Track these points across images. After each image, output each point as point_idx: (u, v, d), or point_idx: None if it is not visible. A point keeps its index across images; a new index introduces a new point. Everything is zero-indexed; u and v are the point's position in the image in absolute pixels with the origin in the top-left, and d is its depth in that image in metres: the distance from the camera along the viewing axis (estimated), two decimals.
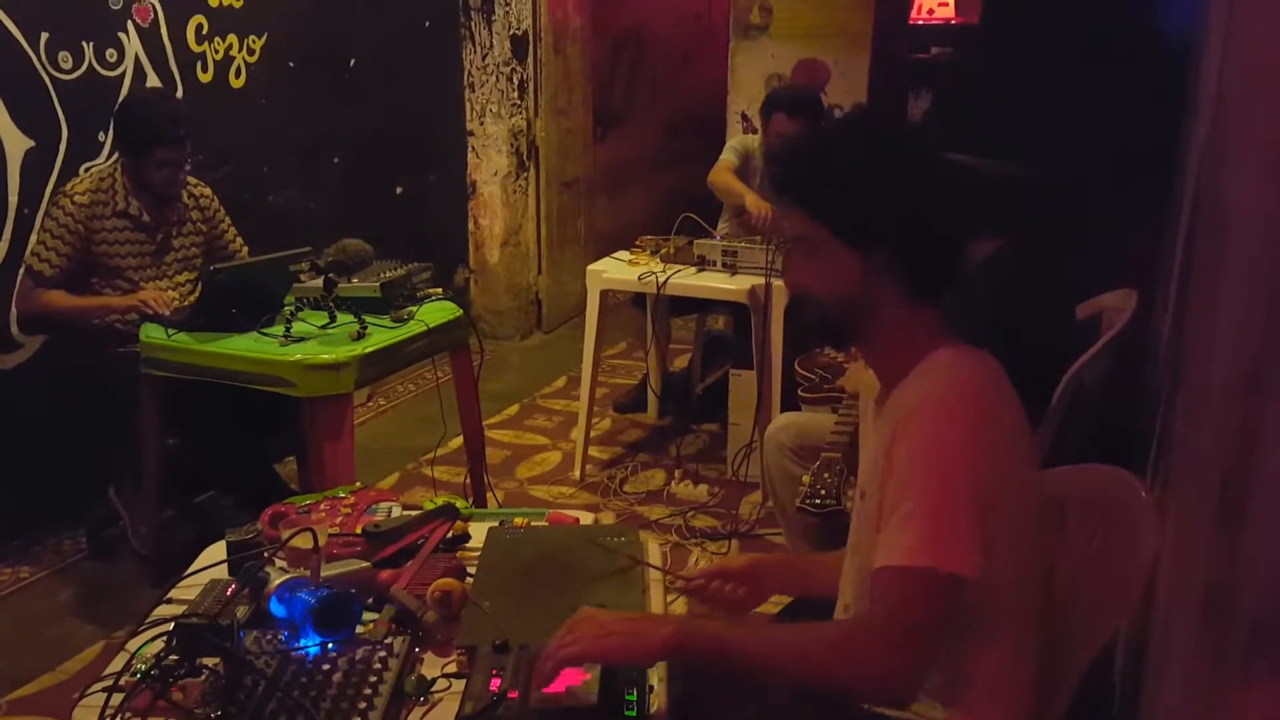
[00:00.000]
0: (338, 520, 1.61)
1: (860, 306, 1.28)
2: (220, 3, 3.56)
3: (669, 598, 1.52)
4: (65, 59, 3.06)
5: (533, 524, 1.67)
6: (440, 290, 2.92)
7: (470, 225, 5.18)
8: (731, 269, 3.29)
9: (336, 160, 4.29)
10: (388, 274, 2.78)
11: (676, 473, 3.57)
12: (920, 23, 3.97)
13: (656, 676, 1.24)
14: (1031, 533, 1.28)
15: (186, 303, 2.88)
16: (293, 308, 2.63)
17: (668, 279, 3.26)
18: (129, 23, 3.25)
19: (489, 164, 5.08)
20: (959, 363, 1.25)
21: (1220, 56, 1.69)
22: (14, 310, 2.95)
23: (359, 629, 1.33)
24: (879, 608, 1.14)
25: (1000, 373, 1.27)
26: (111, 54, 3.20)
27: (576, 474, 3.54)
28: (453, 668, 1.29)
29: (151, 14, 3.32)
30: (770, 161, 1.35)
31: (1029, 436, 1.30)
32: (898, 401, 1.26)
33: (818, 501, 2.01)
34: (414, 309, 2.73)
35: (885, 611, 1.13)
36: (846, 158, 1.27)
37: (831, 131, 1.38)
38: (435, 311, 2.77)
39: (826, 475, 2.06)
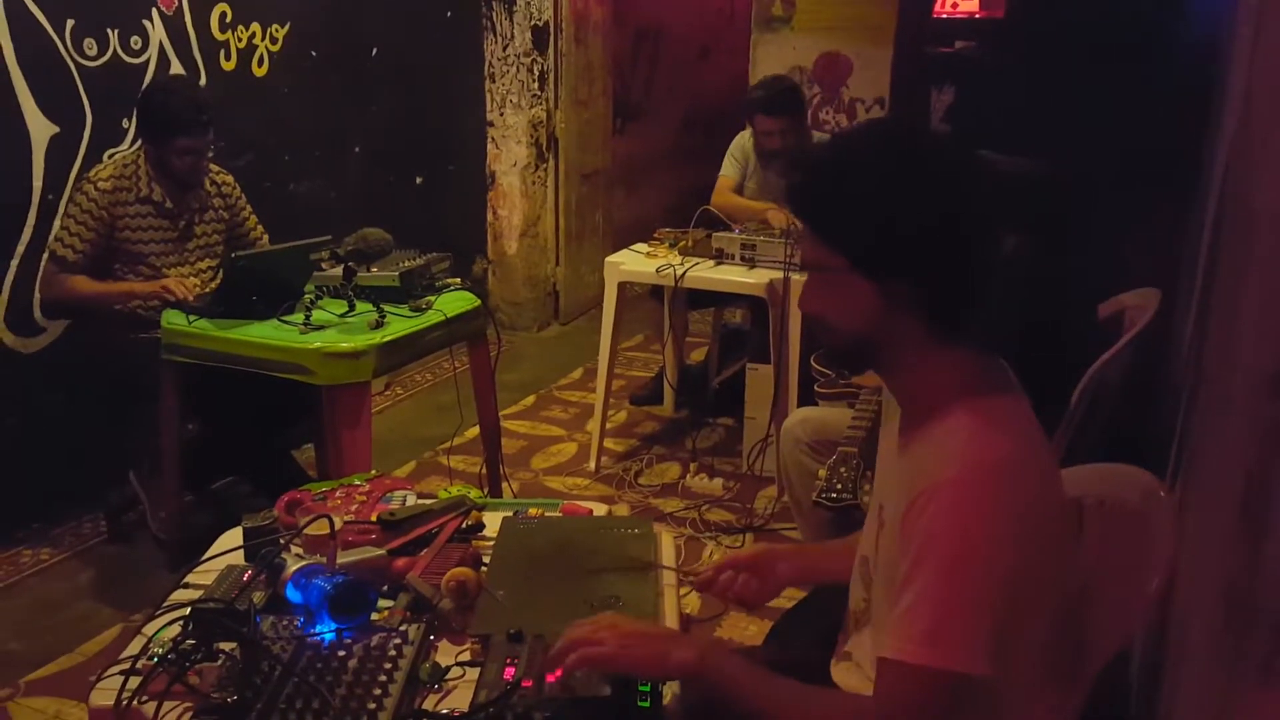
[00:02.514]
0: (353, 508, 1.62)
1: (878, 340, 1.20)
2: None
3: (682, 590, 1.52)
4: (90, 45, 3.07)
5: (547, 515, 1.67)
6: (458, 280, 2.93)
7: (489, 216, 5.19)
8: (750, 262, 3.29)
9: (357, 150, 4.30)
10: (407, 263, 2.78)
11: (692, 466, 3.57)
12: (944, 16, 3.95)
13: None
14: (1062, 601, 1.23)
15: (208, 289, 2.90)
16: (312, 296, 2.65)
17: (686, 272, 3.26)
18: (153, 10, 3.26)
19: (508, 155, 5.09)
20: (984, 429, 1.15)
21: (1250, 53, 1.67)
22: (37, 295, 2.98)
23: (374, 616, 1.34)
24: (885, 702, 1.12)
25: (1029, 430, 1.19)
26: (136, 41, 3.22)
27: (592, 466, 3.55)
28: (467, 656, 1.29)
29: (176, 1, 3.33)
30: (787, 181, 1.26)
31: (1060, 500, 1.23)
32: (921, 454, 1.19)
33: (834, 496, 2.00)
34: (432, 299, 2.74)
35: (891, 705, 1.11)
36: (867, 183, 1.16)
37: (850, 151, 1.22)
38: (453, 301, 2.77)
39: (843, 469, 2.05)
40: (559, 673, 1.15)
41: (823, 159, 1.25)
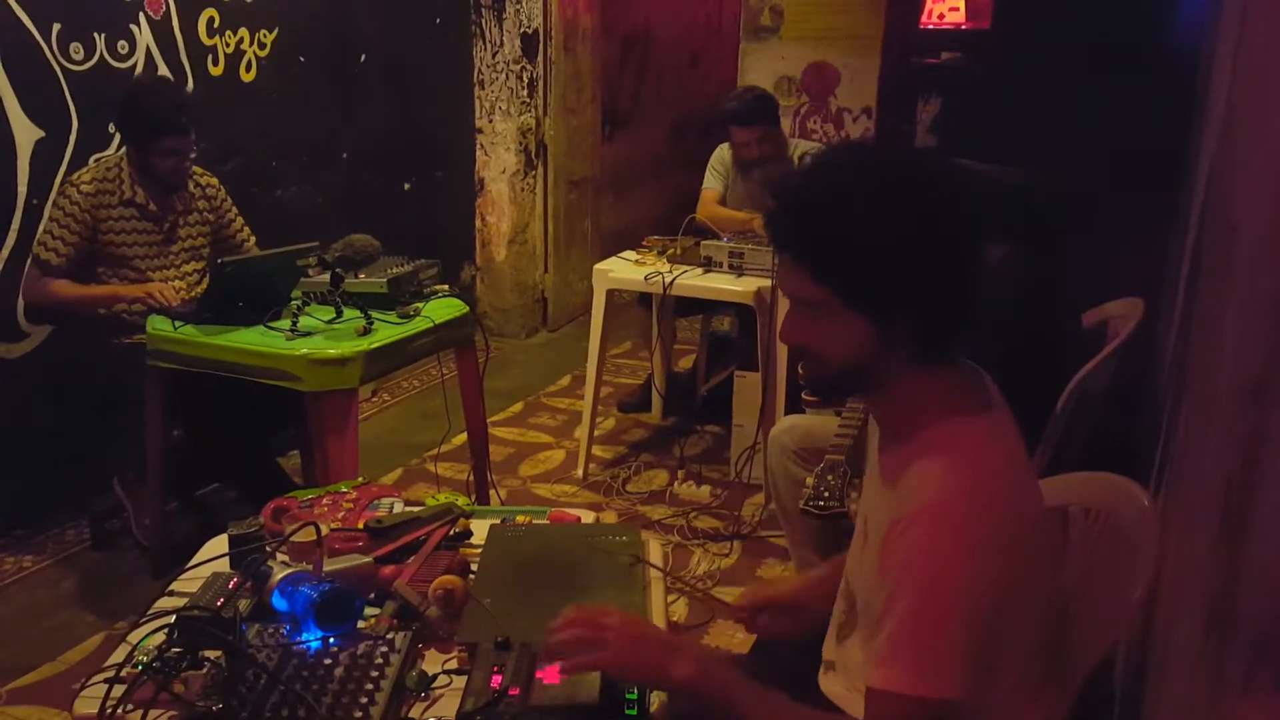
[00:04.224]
0: (340, 515, 1.61)
1: (868, 370, 1.19)
2: None
3: (669, 598, 1.52)
4: (77, 50, 3.06)
5: (535, 522, 1.67)
6: (446, 287, 2.93)
7: (477, 223, 5.19)
8: (738, 270, 3.29)
9: (346, 155, 4.30)
10: (394, 270, 2.78)
11: (679, 473, 3.57)
12: (931, 27, 3.98)
13: None
14: (1048, 612, 1.24)
15: (194, 293, 2.89)
16: (299, 302, 2.64)
17: (674, 279, 3.26)
18: (141, 15, 3.25)
19: (497, 162, 5.09)
20: (963, 452, 1.14)
21: (1231, 65, 1.69)
22: (21, 300, 2.96)
23: (361, 624, 1.33)
24: None
25: (1009, 447, 1.19)
26: (123, 46, 3.21)
27: (579, 473, 3.55)
28: (454, 664, 1.29)
29: (163, 6, 3.32)
30: (767, 212, 1.21)
31: (1041, 516, 1.23)
32: (902, 477, 1.18)
33: (821, 504, 2.01)
34: (420, 305, 2.74)
35: None
36: (863, 217, 1.12)
37: (837, 183, 1.16)
38: (441, 308, 2.77)
39: (830, 477, 2.06)
40: (555, 669, 1.14)
41: (807, 191, 1.19)
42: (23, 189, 2.97)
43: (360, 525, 1.54)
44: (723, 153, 3.85)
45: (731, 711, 1.14)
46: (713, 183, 3.85)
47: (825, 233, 1.15)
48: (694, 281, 3.30)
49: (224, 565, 1.49)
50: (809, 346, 1.21)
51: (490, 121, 5.06)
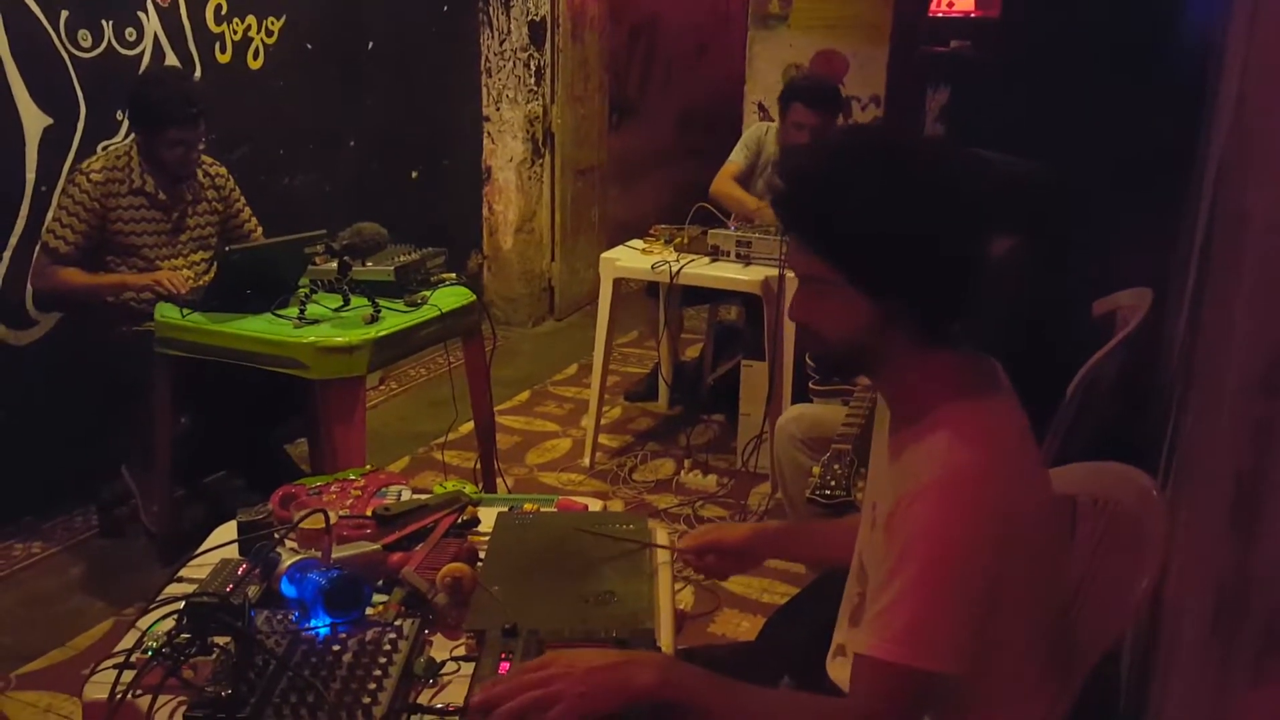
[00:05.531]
0: (348, 503, 1.62)
1: (869, 348, 1.21)
2: None
3: (676, 585, 1.52)
4: (84, 37, 3.06)
5: (542, 510, 1.67)
6: (454, 275, 2.93)
7: (485, 211, 5.18)
8: (745, 259, 3.29)
9: (353, 143, 4.29)
10: (402, 258, 2.78)
11: (686, 462, 3.57)
12: (940, 15, 3.96)
13: None
14: (1054, 600, 1.24)
15: (201, 282, 2.89)
16: (307, 290, 2.64)
17: (681, 268, 3.26)
18: (148, 2, 3.25)
19: (504, 150, 5.08)
20: (968, 434, 1.15)
21: (1243, 57, 1.68)
22: (30, 287, 2.97)
23: (369, 611, 1.34)
24: (859, 699, 1.13)
25: (1015, 433, 1.20)
26: (131, 33, 3.21)
27: (586, 461, 3.55)
28: (461, 651, 1.29)
29: None
30: (776, 192, 1.23)
31: (1045, 502, 1.23)
32: (908, 458, 1.19)
33: (827, 493, 2.01)
34: (427, 293, 2.74)
35: (865, 704, 1.12)
36: (867, 200, 1.14)
37: (849, 164, 1.18)
38: (448, 296, 2.77)
39: (836, 467, 2.06)
40: None
41: (814, 172, 1.20)
42: (31, 176, 2.98)
43: (369, 512, 1.55)
44: (759, 133, 3.75)
45: (700, 711, 1.14)
46: (737, 157, 3.74)
47: (827, 211, 1.17)
48: (701, 270, 3.29)
49: (233, 552, 1.49)
50: (813, 324, 1.23)
51: (498, 109, 5.05)
